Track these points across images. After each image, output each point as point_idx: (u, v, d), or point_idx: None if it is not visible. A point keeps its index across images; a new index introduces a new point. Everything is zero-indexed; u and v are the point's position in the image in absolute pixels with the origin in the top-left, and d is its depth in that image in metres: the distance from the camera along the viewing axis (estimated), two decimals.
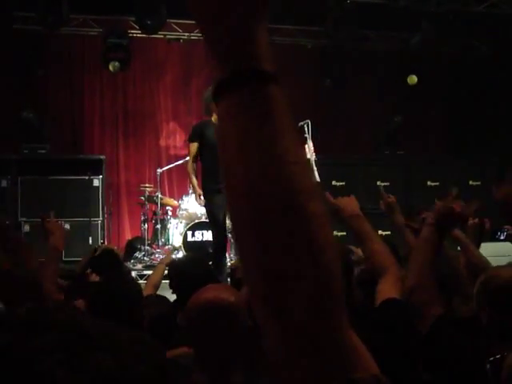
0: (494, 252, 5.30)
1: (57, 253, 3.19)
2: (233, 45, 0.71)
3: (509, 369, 1.36)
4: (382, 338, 2.04)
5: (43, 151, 9.44)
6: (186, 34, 10.54)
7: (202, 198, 6.67)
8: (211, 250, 6.95)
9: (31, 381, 0.58)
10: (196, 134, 6.44)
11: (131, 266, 8.66)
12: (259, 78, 0.70)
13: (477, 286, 2.08)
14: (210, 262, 5.73)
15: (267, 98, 0.70)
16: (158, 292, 4.07)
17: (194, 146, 6.42)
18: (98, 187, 9.31)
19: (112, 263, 3.93)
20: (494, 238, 7.69)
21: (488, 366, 1.40)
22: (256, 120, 0.69)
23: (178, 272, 3.41)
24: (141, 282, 7.32)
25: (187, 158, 6.81)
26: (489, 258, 3.50)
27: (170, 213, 9.52)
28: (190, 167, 6.57)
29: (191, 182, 6.93)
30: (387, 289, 2.31)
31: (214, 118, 6.17)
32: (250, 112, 0.69)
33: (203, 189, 6.48)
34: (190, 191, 9.25)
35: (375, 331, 2.08)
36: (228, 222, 6.16)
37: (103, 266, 3.74)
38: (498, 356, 1.40)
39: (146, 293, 3.40)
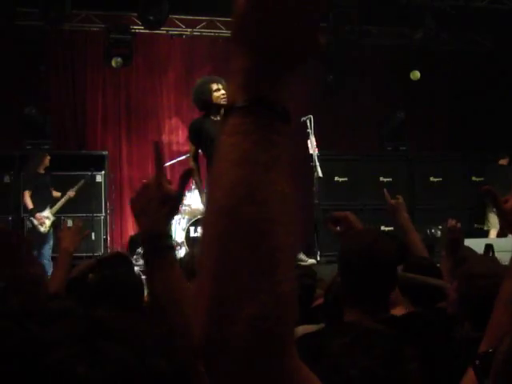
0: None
1: (67, 257, 3.19)
2: (269, 78, 0.74)
3: (504, 355, 1.35)
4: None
5: (46, 147, 9.44)
6: (189, 29, 10.54)
7: None
8: None
9: (48, 371, 0.57)
10: (191, 133, 6.37)
11: (134, 261, 8.67)
12: (280, 115, 0.74)
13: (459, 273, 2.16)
14: None
15: (278, 133, 0.74)
16: None
17: (192, 146, 6.37)
18: (100, 183, 9.32)
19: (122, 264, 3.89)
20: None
21: (477, 361, 1.39)
22: (263, 146, 0.72)
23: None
24: (143, 277, 7.34)
25: (189, 155, 6.77)
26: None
27: None
28: (192, 167, 6.48)
29: (196, 184, 6.89)
30: None
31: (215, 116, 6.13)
32: (258, 136, 0.72)
33: None
34: (193, 187, 9.25)
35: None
36: None
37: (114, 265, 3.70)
38: (490, 350, 1.39)
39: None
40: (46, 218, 8.26)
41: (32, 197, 8.33)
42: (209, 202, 0.74)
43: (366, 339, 1.34)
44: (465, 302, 2.34)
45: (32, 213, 8.27)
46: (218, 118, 6.09)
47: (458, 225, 3.52)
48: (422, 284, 2.92)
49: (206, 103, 6.09)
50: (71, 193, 8.60)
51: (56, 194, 8.61)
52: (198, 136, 6.21)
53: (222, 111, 0.77)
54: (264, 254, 0.70)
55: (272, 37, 0.73)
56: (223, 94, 5.95)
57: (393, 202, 3.51)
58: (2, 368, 0.58)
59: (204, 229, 0.74)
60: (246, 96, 0.73)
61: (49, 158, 8.58)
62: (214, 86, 5.99)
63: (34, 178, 8.43)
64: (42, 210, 8.30)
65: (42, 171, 8.53)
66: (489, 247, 3.39)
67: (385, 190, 3.59)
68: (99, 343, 0.61)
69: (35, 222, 8.21)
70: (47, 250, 8.12)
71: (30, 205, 8.30)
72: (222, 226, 0.71)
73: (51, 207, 8.41)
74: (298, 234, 0.76)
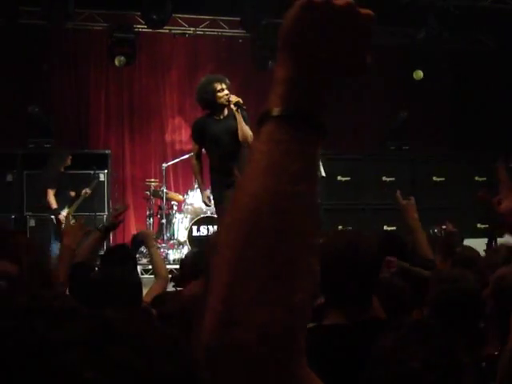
0: None
1: (69, 253, 3.20)
2: (309, 91, 0.75)
3: (511, 352, 1.36)
4: None
5: (49, 146, 9.46)
6: (192, 28, 10.54)
7: (211, 201, 6.64)
8: None
9: (53, 373, 0.57)
10: (194, 132, 6.37)
11: (136, 260, 8.66)
12: (315, 128, 0.75)
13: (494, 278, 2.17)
14: None
15: (310, 145, 0.75)
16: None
17: (195, 145, 6.38)
18: (103, 182, 9.33)
19: (124, 259, 3.89)
20: None
21: (484, 363, 1.40)
22: (294, 156, 0.73)
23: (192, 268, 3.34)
24: (146, 276, 7.35)
25: (192, 154, 6.77)
26: None
27: (175, 207, 9.52)
28: (194, 166, 6.47)
29: (198, 183, 6.92)
30: None
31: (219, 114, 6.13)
32: (290, 147, 0.73)
33: (212, 184, 6.41)
34: (196, 186, 9.25)
35: None
36: None
37: (115, 261, 3.71)
38: (496, 353, 1.41)
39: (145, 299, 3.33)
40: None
41: (55, 196, 8.23)
42: (233, 206, 0.74)
43: (420, 332, 1.35)
44: (430, 302, 2.40)
45: (55, 212, 8.17)
46: (221, 118, 6.11)
47: (455, 229, 3.64)
48: (414, 275, 2.98)
49: (209, 103, 6.09)
50: (87, 191, 8.57)
51: (72, 193, 8.57)
52: (201, 135, 6.21)
53: (263, 120, 0.76)
54: (280, 264, 0.70)
55: (321, 50, 0.74)
56: (227, 95, 5.95)
57: (404, 202, 3.61)
58: (7, 368, 0.58)
59: (224, 231, 0.74)
60: (284, 106, 0.74)
61: (70, 157, 8.52)
62: (218, 86, 5.98)
63: (57, 176, 8.33)
64: (61, 209, 8.27)
65: (62, 170, 8.47)
66: (491, 241, 3.41)
67: (398, 191, 3.69)
68: (106, 346, 0.61)
69: (55, 221, 8.14)
70: (55, 249, 8.11)
71: (54, 204, 8.17)
72: (242, 232, 0.71)
73: (69, 207, 8.36)
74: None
